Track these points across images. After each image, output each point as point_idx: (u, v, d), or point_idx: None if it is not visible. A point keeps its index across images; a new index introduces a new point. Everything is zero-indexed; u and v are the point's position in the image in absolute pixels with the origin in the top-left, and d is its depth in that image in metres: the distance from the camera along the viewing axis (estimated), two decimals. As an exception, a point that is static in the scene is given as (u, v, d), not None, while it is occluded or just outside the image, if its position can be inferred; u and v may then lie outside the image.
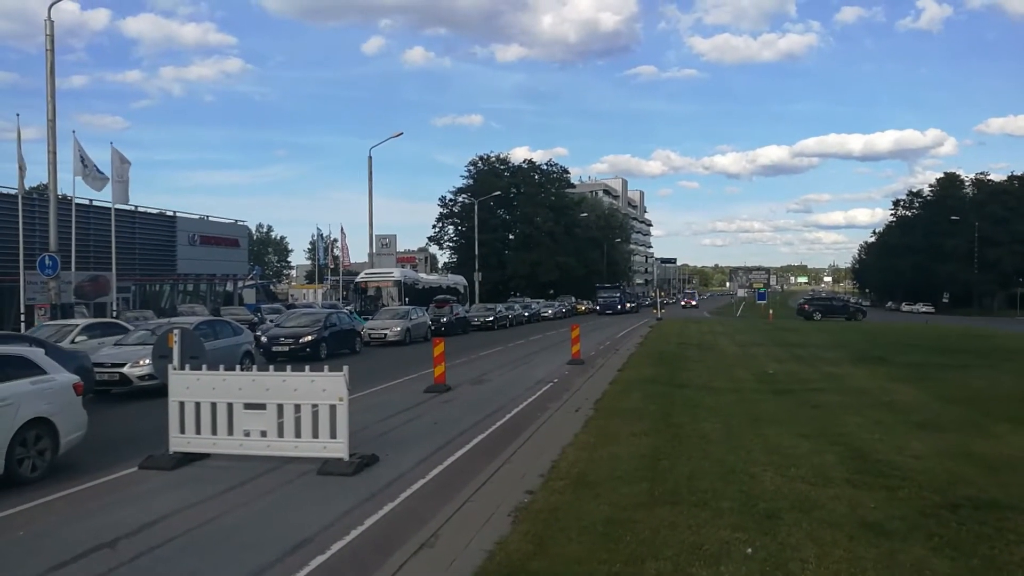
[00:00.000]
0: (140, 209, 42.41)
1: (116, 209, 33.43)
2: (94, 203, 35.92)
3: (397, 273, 40.35)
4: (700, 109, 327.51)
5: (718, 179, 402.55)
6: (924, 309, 78.72)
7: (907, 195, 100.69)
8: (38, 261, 20.42)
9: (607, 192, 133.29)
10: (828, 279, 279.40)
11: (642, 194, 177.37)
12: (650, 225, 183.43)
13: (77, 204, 31.73)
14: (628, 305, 70.82)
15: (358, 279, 40.69)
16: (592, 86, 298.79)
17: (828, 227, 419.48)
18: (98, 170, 28.41)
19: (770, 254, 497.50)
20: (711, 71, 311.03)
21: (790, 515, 5.70)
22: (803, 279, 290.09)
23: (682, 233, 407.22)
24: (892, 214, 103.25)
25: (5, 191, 33.56)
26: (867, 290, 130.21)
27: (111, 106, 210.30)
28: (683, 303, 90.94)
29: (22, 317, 26.61)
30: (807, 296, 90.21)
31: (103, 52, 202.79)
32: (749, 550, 4.97)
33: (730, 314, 69.37)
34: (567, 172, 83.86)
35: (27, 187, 30.44)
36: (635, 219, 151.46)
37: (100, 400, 13.62)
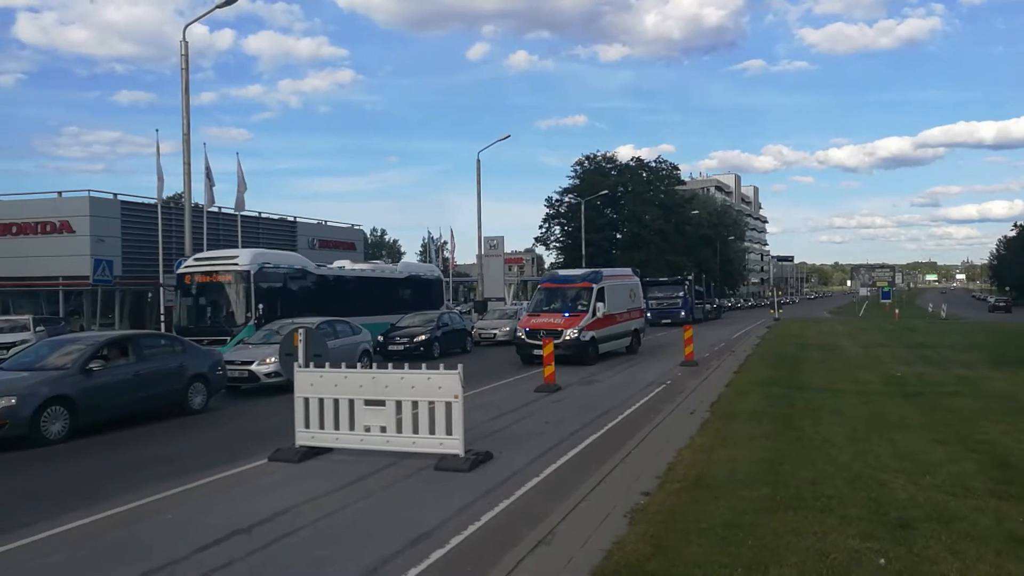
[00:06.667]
0: (263, 215, 44.71)
1: (241, 216, 35.47)
2: (223, 210, 38.16)
3: (244, 257, 20.07)
4: (812, 101, 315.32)
5: (834, 173, 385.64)
6: None
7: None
8: (175, 265, 21.86)
9: (719, 188, 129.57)
10: (961, 276, 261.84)
11: (756, 190, 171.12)
12: (765, 222, 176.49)
13: (208, 212, 33.83)
14: (700, 310, 46.62)
15: (179, 270, 20.81)
16: (698, 82, 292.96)
17: (959, 221, 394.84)
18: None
19: (894, 251, 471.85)
20: (823, 62, 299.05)
21: (926, 525, 5.37)
22: (932, 276, 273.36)
23: (798, 230, 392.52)
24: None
25: (145, 201, 36.23)
26: (1006, 288, 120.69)
27: (235, 119, 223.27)
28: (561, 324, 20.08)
29: (162, 316, 28.68)
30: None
31: (228, 69, 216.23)
32: (882, 560, 4.72)
33: (852, 314, 66.10)
34: (677, 169, 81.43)
35: (164, 197, 32.70)
36: (749, 216, 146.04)
37: (231, 395, 14.49)
